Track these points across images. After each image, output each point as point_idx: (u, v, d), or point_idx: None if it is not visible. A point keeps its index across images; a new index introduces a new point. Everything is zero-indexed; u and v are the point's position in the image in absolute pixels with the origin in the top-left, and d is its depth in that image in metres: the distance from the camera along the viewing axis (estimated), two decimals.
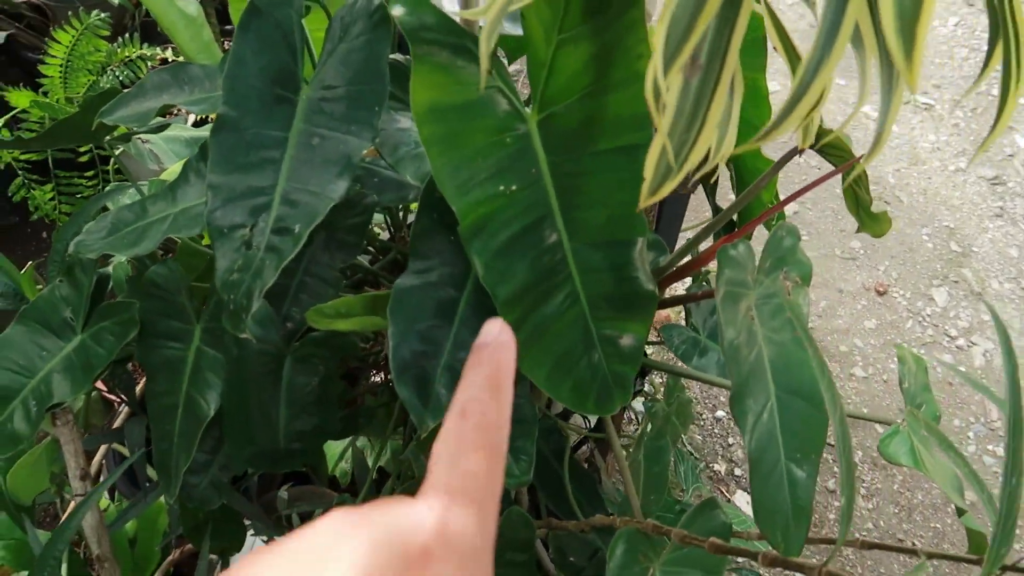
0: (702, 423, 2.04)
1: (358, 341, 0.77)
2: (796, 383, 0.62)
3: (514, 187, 0.62)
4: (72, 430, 0.86)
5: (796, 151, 0.79)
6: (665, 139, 0.39)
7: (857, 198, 0.81)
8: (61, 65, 1.64)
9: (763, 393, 0.60)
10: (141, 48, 1.81)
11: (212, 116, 1.58)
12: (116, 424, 1.34)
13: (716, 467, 1.96)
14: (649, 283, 0.67)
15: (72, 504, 1.28)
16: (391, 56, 0.72)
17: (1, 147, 1.16)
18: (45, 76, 1.69)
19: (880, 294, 2.42)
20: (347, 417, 0.93)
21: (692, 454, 1.98)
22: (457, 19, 0.61)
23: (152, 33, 2.23)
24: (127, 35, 1.79)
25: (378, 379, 1.10)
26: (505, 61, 0.86)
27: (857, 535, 1.87)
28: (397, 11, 0.57)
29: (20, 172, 1.60)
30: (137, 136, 1.45)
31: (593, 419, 1.23)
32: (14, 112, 1.63)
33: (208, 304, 0.78)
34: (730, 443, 2.02)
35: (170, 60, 2.04)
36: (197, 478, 0.89)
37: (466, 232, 0.61)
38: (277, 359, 0.76)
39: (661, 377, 1.76)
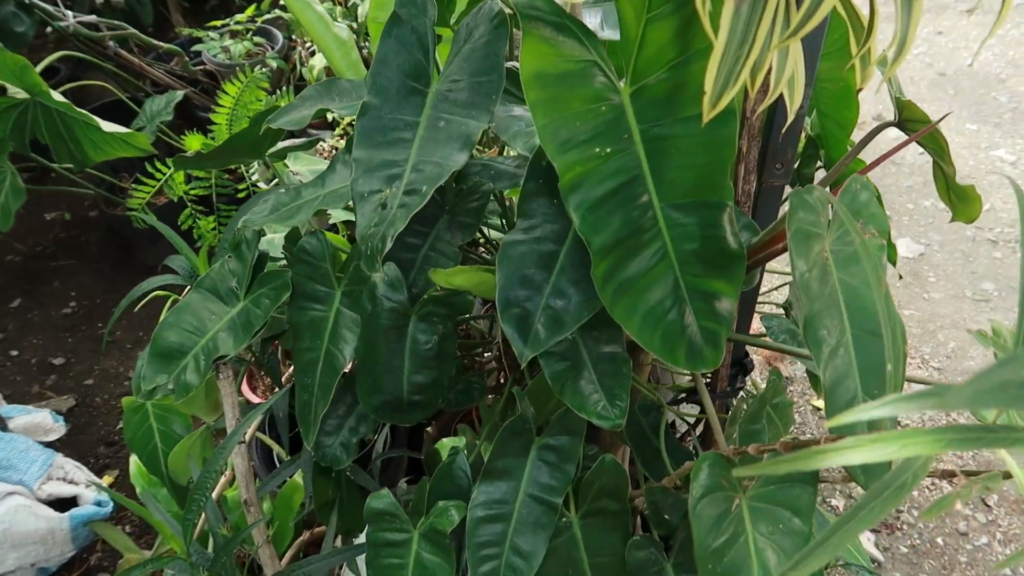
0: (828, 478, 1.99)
1: (473, 300, 0.87)
2: (873, 324, 0.66)
3: (608, 149, 0.71)
4: (231, 383, 1.01)
5: (886, 125, 0.84)
6: (720, 56, 0.47)
7: (946, 178, 0.84)
8: (228, 113, 1.90)
9: (837, 327, 0.65)
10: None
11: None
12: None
13: (834, 502, 1.91)
14: (736, 244, 0.74)
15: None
16: (508, 63, 0.84)
17: (185, 164, 1.37)
18: (214, 124, 1.96)
19: None
20: (464, 390, 1.03)
21: None
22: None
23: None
24: (283, 88, 2.05)
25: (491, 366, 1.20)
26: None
27: None
28: None
29: (189, 204, 1.85)
30: (289, 171, 1.66)
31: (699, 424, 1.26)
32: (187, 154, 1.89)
33: (347, 270, 0.91)
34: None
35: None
36: (329, 439, 1.01)
37: (565, 187, 0.70)
38: (404, 317, 0.88)
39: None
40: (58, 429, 1.85)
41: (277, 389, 1.33)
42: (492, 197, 1.03)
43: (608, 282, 0.72)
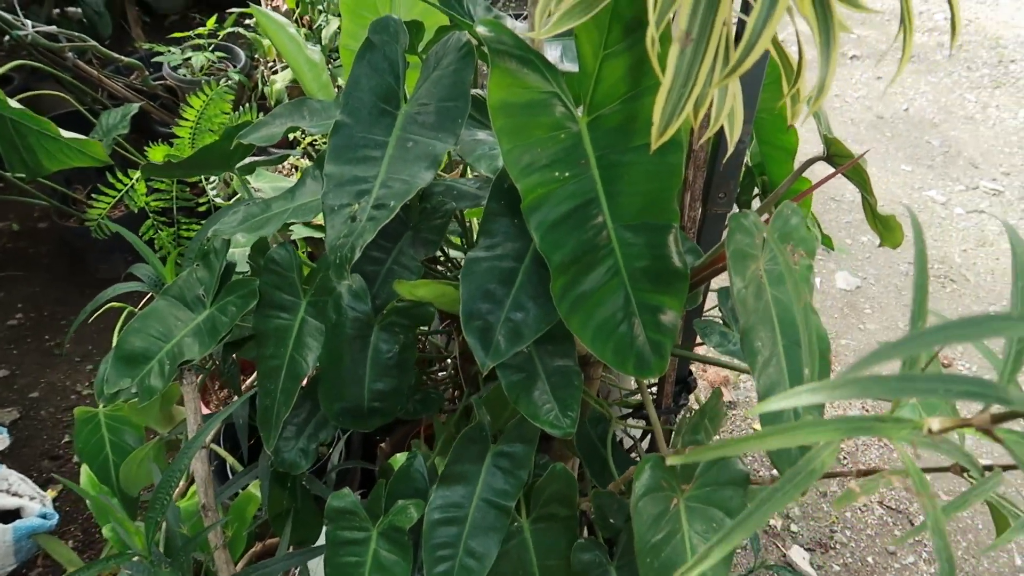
0: (760, 480, 2.07)
1: (433, 312, 0.91)
2: (798, 336, 0.73)
3: (567, 173, 0.77)
4: (194, 388, 1.03)
5: (815, 159, 0.92)
6: (667, 91, 0.53)
7: (871, 208, 0.92)
8: (192, 126, 1.91)
9: (770, 339, 0.71)
10: (258, 116, 2.08)
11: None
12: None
13: (772, 522, 1.98)
14: (680, 263, 0.80)
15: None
16: (473, 90, 0.89)
17: (154, 172, 1.39)
18: (175, 138, 1.97)
19: (945, 367, 2.43)
20: (423, 400, 1.06)
21: None
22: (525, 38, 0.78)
23: (266, 108, 2.53)
24: (246, 104, 2.08)
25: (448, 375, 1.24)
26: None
27: None
28: (481, 29, 0.74)
29: (151, 215, 1.86)
30: (251, 187, 1.68)
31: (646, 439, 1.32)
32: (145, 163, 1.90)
33: (313, 281, 0.94)
34: None
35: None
36: (288, 444, 1.03)
37: (527, 208, 0.76)
38: (367, 327, 0.91)
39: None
40: (2, 441, 1.82)
41: (233, 400, 1.34)
42: (453, 217, 1.08)
43: (565, 296, 0.77)
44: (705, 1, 0.50)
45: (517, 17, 3.43)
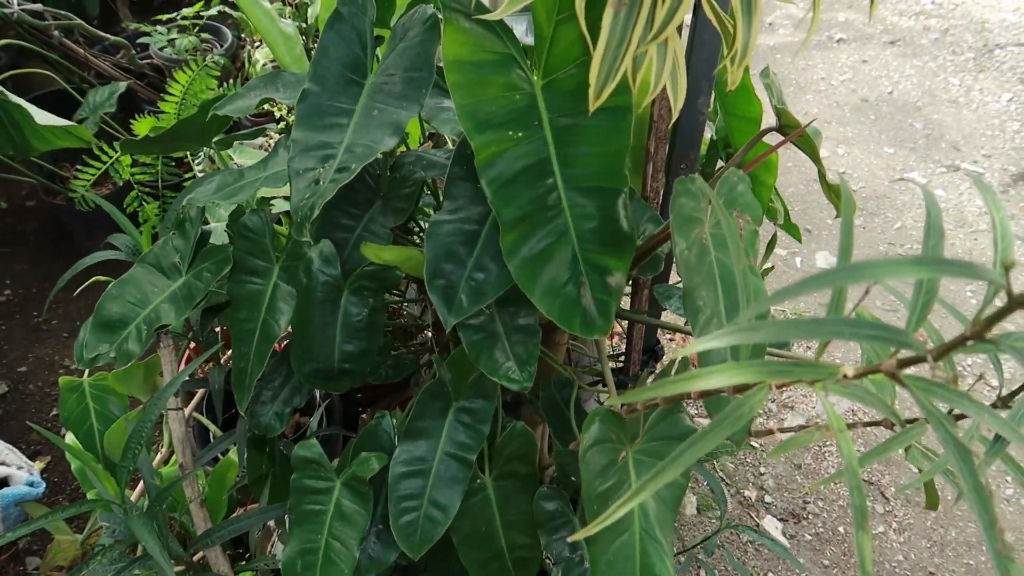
0: (733, 451, 2.12)
1: (400, 275, 0.95)
2: (741, 303, 0.76)
3: (520, 134, 0.80)
4: (172, 352, 1.06)
5: (769, 130, 0.95)
6: (602, 54, 0.56)
7: (823, 178, 0.96)
8: (177, 101, 1.93)
9: (712, 299, 0.74)
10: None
11: None
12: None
13: (747, 493, 2.03)
14: (628, 227, 0.83)
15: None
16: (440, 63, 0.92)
17: (132, 148, 1.41)
18: (163, 112, 1.99)
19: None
20: (395, 364, 1.10)
21: (724, 479, 2.05)
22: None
23: None
24: (231, 80, 2.10)
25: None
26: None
27: (887, 565, 1.90)
28: None
29: (136, 187, 1.88)
30: (234, 162, 1.71)
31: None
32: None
33: (286, 247, 0.97)
34: (761, 472, 2.09)
35: (264, 107, 2.34)
36: (264, 408, 1.07)
37: (481, 164, 0.78)
38: (337, 290, 0.95)
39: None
40: None
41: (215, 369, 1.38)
42: (425, 187, 1.11)
43: (515, 253, 0.80)
44: None
45: None
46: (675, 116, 0.72)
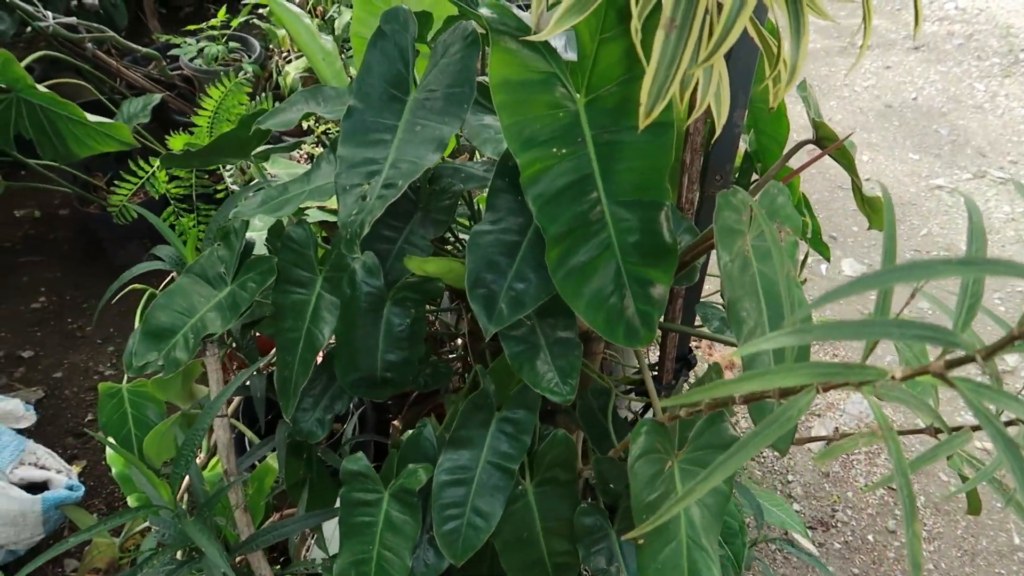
0: (762, 460, 2.12)
1: (442, 287, 0.96)
2: (783, 308, 0.77)
3: (564, 150, 0.81)
4: (217, 360, 1.09)
5: (807, 142, 0.96)
6: (653, 74, 0.57)
7: (859, 190, 0.97)
8: (210, 116, 1.97)
9: (755, 310, 0.76)
10: (273, 105, 2.14)
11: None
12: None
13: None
14: (670, 239, 0.84)
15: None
16: (479, 77, 0.94)
17: (172, 162, 1.44)
18: (193, 127, 2.03)
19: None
20: (432, 373, 1.12)
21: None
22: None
23: (280, 97, 2.58)
24: (263, 94, 2.13)
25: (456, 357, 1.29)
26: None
27: None
28: (484, 11, 0.79)
29: (172, 202, 1.92)
30: (268, 173, 1.74)
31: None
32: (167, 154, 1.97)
33: (329, 259, 1.00)
34: (789, 480, 2.09)
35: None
36: (306, 415, 1.09)
37: (526, 181, 0.80)
38: (380, 301, 0.97)
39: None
40: (29, 417, 1.89)
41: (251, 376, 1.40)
42: (461, 198, 1.13)
43: (560, 266, 0.82)
44: (682, 12, 0.55)
45: (525, 8, 3.45)
46: (719, 131, 0.74)
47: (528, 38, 0.77)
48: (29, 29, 2.39)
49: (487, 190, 0.87)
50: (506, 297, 0.84)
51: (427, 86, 0.93)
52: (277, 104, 2.11)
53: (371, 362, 0.98)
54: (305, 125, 2.44)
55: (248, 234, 1.56)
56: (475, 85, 0.91)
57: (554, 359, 0.91)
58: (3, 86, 2.00)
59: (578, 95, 0.82)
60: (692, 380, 1.30)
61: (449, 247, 1.27)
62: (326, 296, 0.99)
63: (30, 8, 2.37)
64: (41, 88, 1.98)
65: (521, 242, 0.87)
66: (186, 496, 1.43)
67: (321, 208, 1.59)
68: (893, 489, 2.10)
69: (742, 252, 0.75)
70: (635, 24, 0.55)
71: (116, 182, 2.09)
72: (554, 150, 0.81)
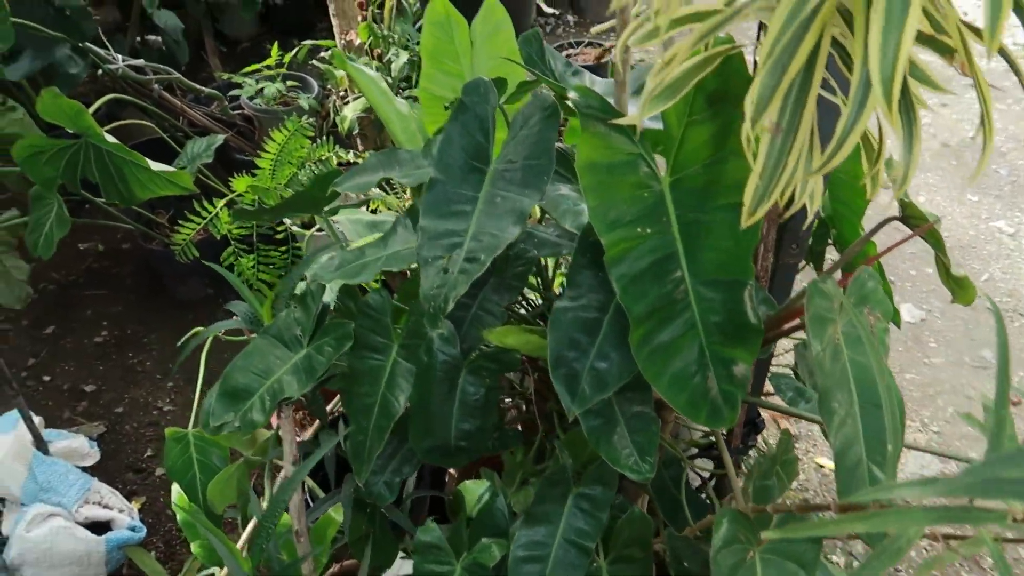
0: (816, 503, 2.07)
1: (519, 357, 0.97)
2: (876, 398, 0.76)
3: (649, 230, 0.81)
4: (291, 423, 1.10)
5: (890, 219, 0.95)
6: (758, 177, 0.57)
7: (945, 267, 0.95)
8: (273, 159, 2.01)
9: (846, 400, 0.74)
10: (333, 147, 2.18)
11: (380, 206, 1.90)
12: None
13: (834, 559, 1.97)
14: (755, 319, 0.83)
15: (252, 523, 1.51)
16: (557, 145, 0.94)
17: (244, 216, 1.48)
18: (257, 168, 2.08)
19: (1014, 404, 2.39)
20: (500, 437, 1.12)
21: None
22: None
23: (338, 136, 2.63)
24: (323, 138, 2.17)
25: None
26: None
27: None
28: (572, 95, 0.79)
29: (232, 243, 1.96)
30: (332, 219, 1.77)
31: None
32: (233, 195, 2.01)
33: (405, 326, 1.00)
34: (850, 541, 2.03)
35: (350, 162, 2.42)
36: (376, 477, 1.10)
37: (610, 261, 0.80)
38: (455, 370, 0.97)
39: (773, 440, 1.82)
40: (93, 455, 1.93)
41: (313, 426, 1.42)
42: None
43: (643, 346, 0.82)
44: (794, 97, 0.54)
45: (596, 70, 3.46)
46: (809, 220, 0.73)
47: (616, 122, 0.77)
48: (100, 72, 2.48)
49: (568, 266, 0.87)
50: (588, 377, 0.83)
51: (506, 157, 0.94)
52: (336, 146, 2.15)
53: (445, 430, 0.98)
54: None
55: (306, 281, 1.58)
56: (554, 157, 0.91)
57: (631, 434, 0.90)
58: (74, 132, 2.07)
59: (663, 175, 0.82)
60: (760, 444, 1.28)
61: (517, 307, 1.27)
62: (402, 363, 1.00)
63: (101, 51, 2.46)
64: (109, 138, 2.05)
65: (602, 319, 0.86)
66: (247, 545, 1.44)
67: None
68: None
69: (833, 340, 0.74)
70: (747, 129, 0.55)
71: (180, 221, 2.14)
72: (639, 230, 0.81)
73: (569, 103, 0.84)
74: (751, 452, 1.25)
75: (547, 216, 1.23)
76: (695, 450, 1.29)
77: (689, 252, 0.82)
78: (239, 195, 1.99)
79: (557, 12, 4.49)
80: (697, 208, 0.82)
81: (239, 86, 2.78)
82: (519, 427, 1.43)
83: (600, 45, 3.52)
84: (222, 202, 1.96)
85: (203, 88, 2.77)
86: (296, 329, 1.06)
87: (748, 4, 0.54)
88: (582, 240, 0.87)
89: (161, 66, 2.62)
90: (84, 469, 1.89)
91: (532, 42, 1.11)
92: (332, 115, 2.82)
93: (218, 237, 1.96)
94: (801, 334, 1.05)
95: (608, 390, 0.83)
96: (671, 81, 0.68)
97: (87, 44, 2.39)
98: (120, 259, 2.87)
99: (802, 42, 0.50)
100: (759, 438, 1.27)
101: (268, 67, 2.78)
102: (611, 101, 1.07)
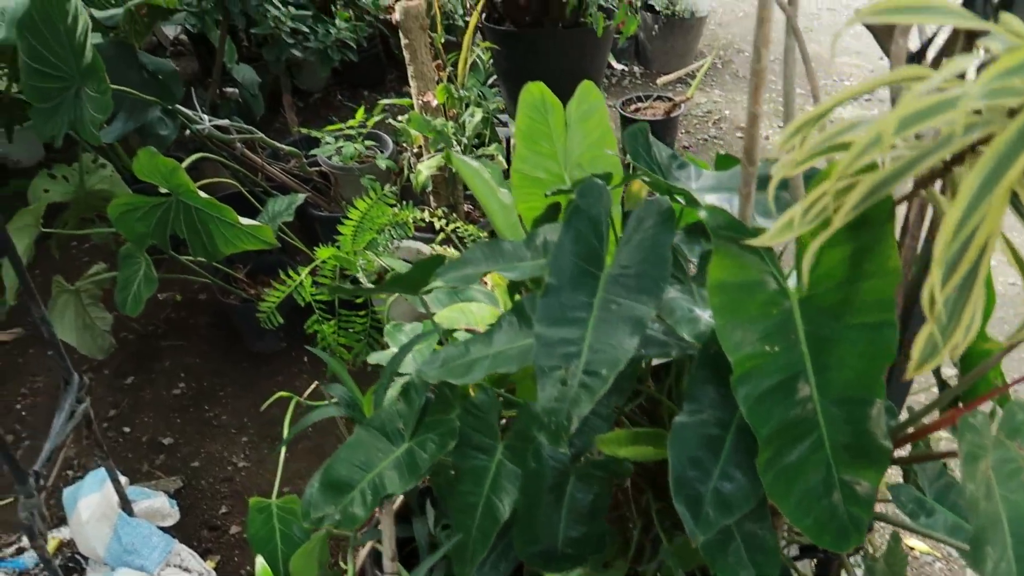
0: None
1: (630, 466, 0.94)
2: None
3: (777, 348, 0.79)
4: (391, 517, 1.09)
5: (1014, 345, 0.90)
6: (935, 331, 0.55)
7: None
8: (355, 225, 2.04)
9: (1000, 542, 0.70)
10: (411, 209, 2.21)
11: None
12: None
13: None
14: (885, 439, 0.80)
15: None
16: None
17: (339, 292, 1.49)
18: (332, 222, 2.11)
19: None
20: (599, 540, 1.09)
21: None
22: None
23: (412, 194, 2.66)
24: (403, 202, 2.20)
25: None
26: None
27: None
28: (702, 214, 0.78)
29: (316, 310, 1.99)
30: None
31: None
32: (315, 264, 2.05)
33: (511, 427, 0.99)
34: None
35: (426, 221, 2.45)
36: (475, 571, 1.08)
37: (736, 380, 0.78)
38: (564, 475, 0.95)
39: (881, 540, 1.74)
40: (174, 515, 1.96)
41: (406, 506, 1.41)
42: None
43: (770, 468, 0.79)
44: (966, 273, 0.52)
45: (665, 124, 3.45)
46: (962, 349, 0.70)
47: (751, 242, 0.76)
48: (187, 132, 2.56)
49: (687, 378, 0.85)
50: (712, 500, 0.81)
51: (621, 262, 0.93)
52: (409, 204, 2.17)
53: (552, 537, 0.96)
54: (438, 225, 2.50)
55: (392, 349, 1.59)
56: (670, 263, 0.90)
57: (748, 552, 0.87)
58: (165, 191, 2.14)
59: (792, 292, 0.80)
60: (871, 551, 1.23)
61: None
62: (507, 465, 0.98)
63: (189, 112, 2.55)
64: (202, 194, 2.11)
65: (724, 436, 0.84)
66: None
67: (470, 331, 1.60)
68: None
69: (985, 477, 0.70)
70: (934, 284, 0.53)
71: (271, 286, 2.17)
72: (766, 348, 0.79)
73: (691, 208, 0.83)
74: (856, 554, 1.20)
75: None
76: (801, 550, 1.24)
77: (818, 370, 0.80)
78: (322, 262, 2.03)
79: (625, 66, 4.52)
80: (828, 326, 0.79)
81: (317, 144, 2.84)
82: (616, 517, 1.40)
83: (670, 99, 3.51)
84: (306, 270, 1.99)
85: (283, 146, 2.84)
86: (399, 422, 1.06)
87: (914, 163, 0.53)
88: (703, 354, 0.85)
89: (244, 125, 2.70)
90: (164, 529, 1.92)
91: (638, 136, 1.11)
92: (406, 172, 2.87)
93: (302, 304, 1.99)
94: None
95: (734, 515, 0.81)
96: (813, 209, 0.67)
97: (176, 106, 2.48)
98: (197, 309, 2.94)
99: (991, 207, 0.48)
100: (867, 542, 1.22)
101: (350, 126, 2.84)
102: (724, 203, 1.05)
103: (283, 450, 1.70)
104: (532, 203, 1.37)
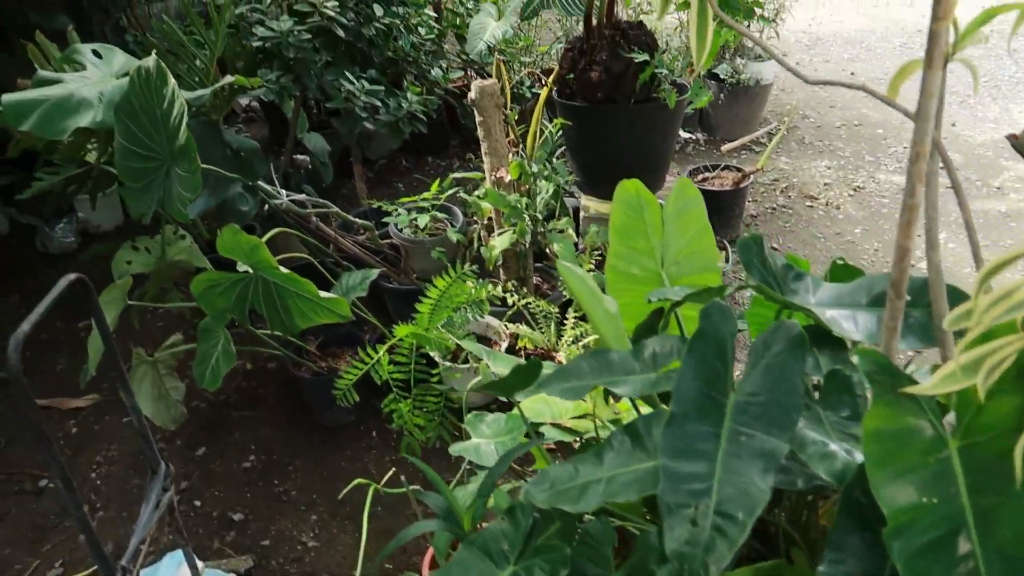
0: None
1: None
2: None
3: (935, 500, 0.73)
4: None
5: None
6: None
7: None
8: (432, 304, 2.04)
9: None
10: (488, 288, 2.20)
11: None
12: None
13: None
14: None
15: None
16: None
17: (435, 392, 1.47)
18: (405, 295, 2.10)
19: None
20: None
21: None
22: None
23: (483, 267, 2.65)
24: (479, 280, 2.20)
25: None
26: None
27: None
28: (857, 360, 0.74)
29: (394, 389, 1.97)
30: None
31: None
32: (392, 341, 2.04)
33: (627, 560, 0.94)
34: None
35: (500, 298, 2.43)
36: None
37: (889, 533, 0.72)
38: None
39: None
40: None
41: None
42: None
43: None
44: None
45: (734, 194, 3.39)
46: None
47: (911, 390, 0.71)
48: (266, 207, 2.61)
49: (831, 529, 0.80)
50: None
51: (747, 389, 0.89)
52: (488, 283, 2.15)
53: None
54: (510, 300, 2.48)
55: (475, 440, 1.55)
56: (803, 392, 0.85)
57: None
58: (247, 268, 2.17)
59: (951, 440, 0.75)
60: None
61: None
62: None
63: (269, 188, 2.60)
64: (283, 269, 2.13)
65: None
66: None
67: (556, 425, 1.56)
68: None
69: None
70: None
71: (337, 362, 2.17)
72: (923, 500, 0.73)
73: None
74: None
75: None
76: None
77: (981, 524, 0.73)
78: (399, 339, 2.02)
79: (689, 133, 4.51)
80: (991, 476, 0.73)
81: (388, 214, 2.87)
82: None
83: (738, 169, 3.48)
84: (383, 348, 1.98)
85: (356, 220, 2.88)
86: (503, 543, 1.02)
87: None
88: (846, 498, 0.80)
89: (319, 200, 2.75)
90: None
91: (751, 247, 1.07)
92: (475, 244, 2.87)
93: (379, 383, 1.98)
94: None
95: None
96: (986, 362, 0.62)
97: (257, 183, 2.53)
98: (266, 379, 2.95)
99: None
100: None
101: (424, 199, 2.87)
102: (847, 320, 1.00)
103: (363, 541, 1.66)
104: (626, 299, 1.34)
